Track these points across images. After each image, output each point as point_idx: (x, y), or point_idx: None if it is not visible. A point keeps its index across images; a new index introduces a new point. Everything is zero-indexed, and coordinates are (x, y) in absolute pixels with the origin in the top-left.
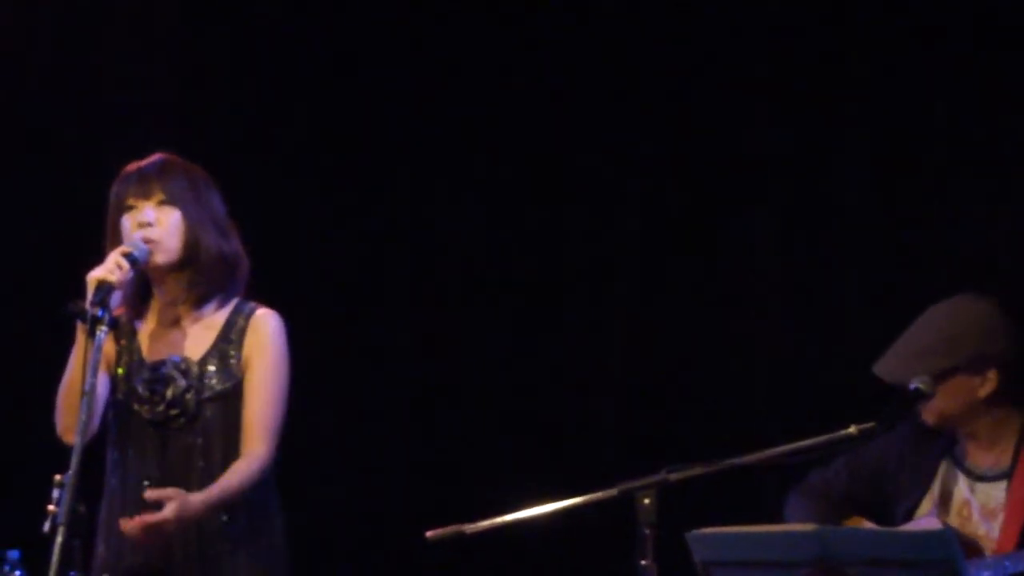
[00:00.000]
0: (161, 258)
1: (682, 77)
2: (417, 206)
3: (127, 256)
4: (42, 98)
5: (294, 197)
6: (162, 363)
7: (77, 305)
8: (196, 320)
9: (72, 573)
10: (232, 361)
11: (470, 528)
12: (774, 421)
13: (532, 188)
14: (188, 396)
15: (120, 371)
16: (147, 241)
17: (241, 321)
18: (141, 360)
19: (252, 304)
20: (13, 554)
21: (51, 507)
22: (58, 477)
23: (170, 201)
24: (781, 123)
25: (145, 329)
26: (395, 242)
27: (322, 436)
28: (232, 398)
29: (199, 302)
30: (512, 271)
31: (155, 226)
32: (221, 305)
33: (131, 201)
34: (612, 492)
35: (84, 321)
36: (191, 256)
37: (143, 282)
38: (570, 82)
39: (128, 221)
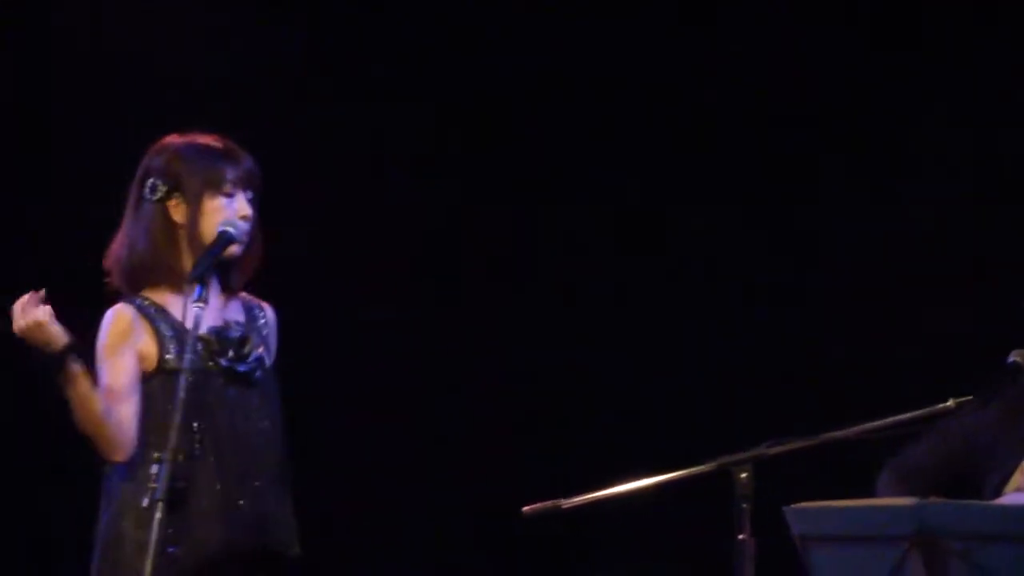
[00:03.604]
0: (235, 251)
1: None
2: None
3: (225, 233)
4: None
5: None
6: (224, 328)
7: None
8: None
9: (171, 548)
10: (264, 338)
11: (567, 503)
12: (870, 394)
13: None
14: (262, 353)
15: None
16: (242, 235)
17: (257, 311)
18: (185, 330)
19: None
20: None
21: (150, 483)
22: (157, 454)
23: (256, 202)
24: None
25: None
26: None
27: (427, 411)
28: (269, 369)
29: (230, 292)
30: (603, 246)
31: (249, 222)
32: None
33: (230, 188)
34: (709, 466)
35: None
36: (248, 255)
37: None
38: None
39: (227, 207)
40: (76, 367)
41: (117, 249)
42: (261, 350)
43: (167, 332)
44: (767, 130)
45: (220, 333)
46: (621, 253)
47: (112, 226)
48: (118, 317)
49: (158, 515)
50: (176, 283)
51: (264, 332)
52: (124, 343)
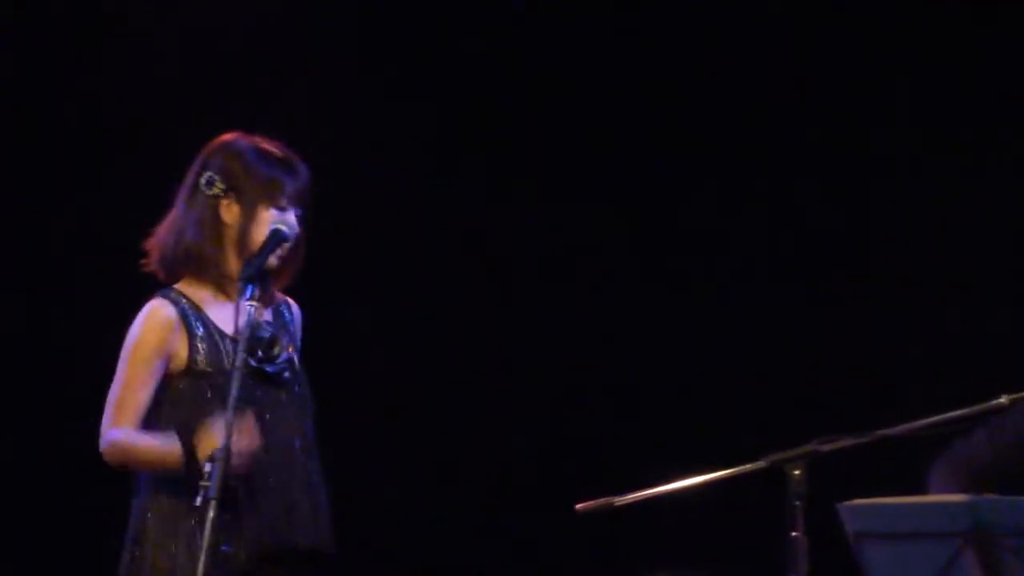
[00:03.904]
0: (275, 261)
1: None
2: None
3: (278, 231)
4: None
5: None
6: (254, 328)
7: (250, 266)
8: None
9: (224, 547)
10: (291, 336)
11: (620, 501)
12: (921, 391)
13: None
14: (292, 353)
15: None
16: (294, 233)
17: (283, 307)
18: (221, 331)
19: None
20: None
21: (203, 482)
22: (209, 452)
23: (302, 220)
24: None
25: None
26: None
27: (480, 409)
28: (299, 368)
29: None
30: (662, 252)
31: (294, 235)
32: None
33: (285, 203)
34: (762, 464)
35: (253, 278)
36: (287, 267)
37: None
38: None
39: (280, 217)
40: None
41: (163, 234)
42: (291, 350)
43: (199, 332)
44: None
45: (252, 333)
46: (672, 248)
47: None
48: (157, 314)
49: (211, 514)
50: (216, 280)
51: (291, 329)
52: (157, 348)
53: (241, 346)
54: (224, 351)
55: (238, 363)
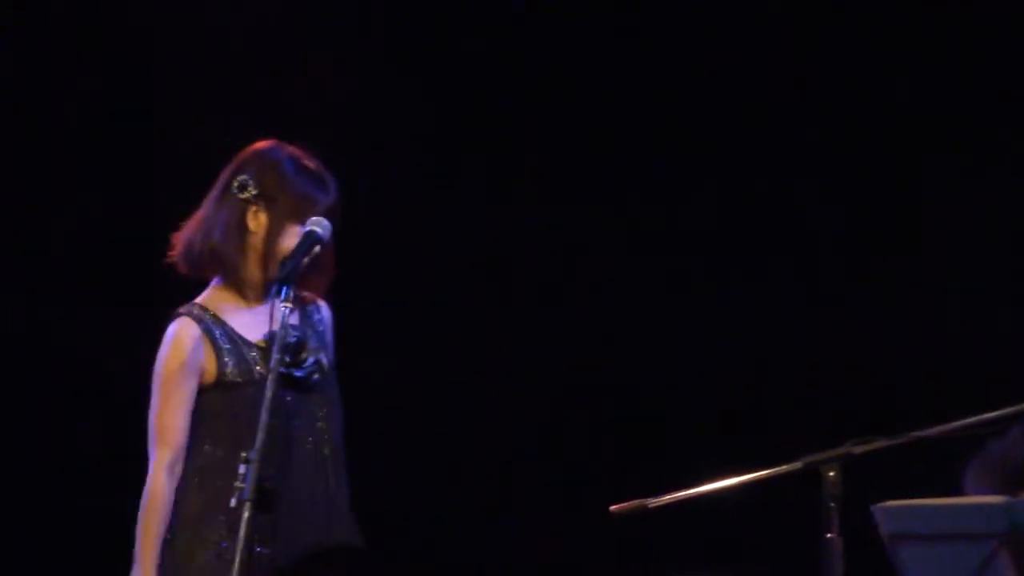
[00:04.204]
0: (305, 261)
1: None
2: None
3: (312, 232)
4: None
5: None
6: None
7: (284, 267)
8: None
9: (259, 548)
10: (320, 337)
11: (654, 502)
12: (957, 392)
13: None
14: (320, 356)
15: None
16: (328, 233)
17: (311, 309)
18: (244, 339)
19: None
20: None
21: (237, 483)
22: (244, 454)
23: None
24: None
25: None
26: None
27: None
28: (327, 370)
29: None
30: (704, 252)
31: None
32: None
33: (316, 216)
34: (797, 465)
35: (287, 280)
36: (315, 268)
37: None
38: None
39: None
40: None
41: (190, 230)
42: (320, 354)
43: (224, 345)
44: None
45: (296, 342)
46: (711, 255)
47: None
48: (181, 335)
49: (246, 515)
50: (235, 285)
51: (320, 329)
52: (186, 369)
53: (276, 347)
54: (251, 360)
55: (272, 364)
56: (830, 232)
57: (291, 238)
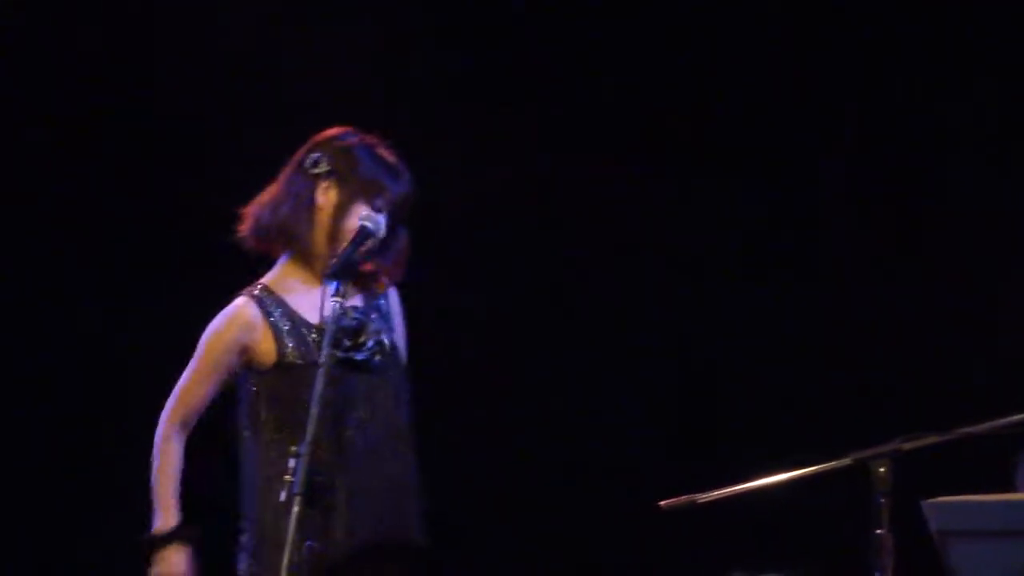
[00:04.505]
0: (361, 255)
1: None
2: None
3: (364, 227)
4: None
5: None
6: (342, 315)
7: (336, 261)
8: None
9: (309, 543)
10: (387, 320)
11: (703, 498)
12: (1007, 388)
13: None
14: (382, 337)
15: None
16: (379, 229)
17: (384, 299)
18: (306, 321)
19: None
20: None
21: (287, 477)
22: (293, 448)
23: (393, 223)
24: None
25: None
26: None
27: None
28: (395, 354)
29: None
30: (757, 248)
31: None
32: None
33: (382, 204)
34: (847, 461)
35: (339, 275)
36: (384, 269)
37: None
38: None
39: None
40: None
41: (259, 204)
42: (382, 335)
43: (284, 326)
44: None
45: (335, 322)
46: (757, 251)
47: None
48: (240, 314)
49: (295, 509)
50: (302, 259)
51: (385, 311)
52: (232, 346)
53: (325, 342)
54: (311, 342)
55: (322, 359)
56: (875, 223)
57: (355, 217)
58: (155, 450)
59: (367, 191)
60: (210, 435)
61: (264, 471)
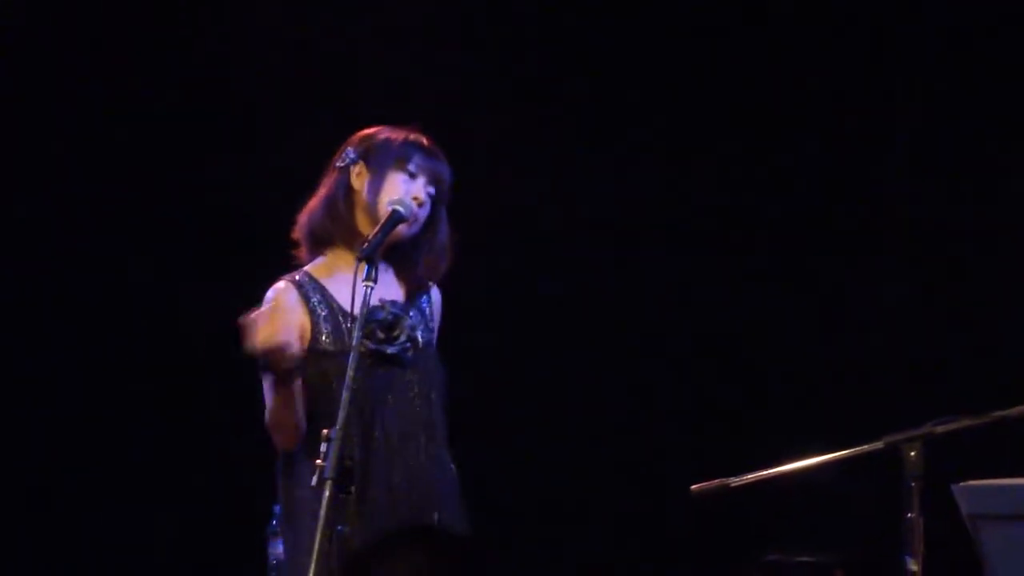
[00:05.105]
0: (404, 231)
1: None
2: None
3: (395, 211)
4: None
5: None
6: (376, 309)
7: (367, 245)
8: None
9: (340, 528)
10: (424, 316)
11: (735, 482)
12: None
13: None
14: (416, 333)
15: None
16: (411, 214)
17: (425, 296)
18: (343, 309)
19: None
20: (277, 508)
21: (319, 461)
22: (325, 431)
23: (438, 197)
24: None
25: (332, 284)
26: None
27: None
28: (427, 351)
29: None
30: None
31: (423, 208)
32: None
33: (414, 169)
34: (878, 445)
35: (370, 258)
36: (419, 245)
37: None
38: None
39: (404, 184)
40: (298, 378)
41: (307, 210)
42: (417, 331)
43: (322, 312)
44: None
45: (370, 315)
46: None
47: None
48: (277, 299)
49: (327, 493)
50: (349, 245)
51: (423, 307)
52: (284, 324)
53: (357, 325)
54: (345, 331)
55: (354, 343)
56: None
57: (391, 187)
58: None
59: (396, 160)
60: (240, 422)
61: (296, 456)
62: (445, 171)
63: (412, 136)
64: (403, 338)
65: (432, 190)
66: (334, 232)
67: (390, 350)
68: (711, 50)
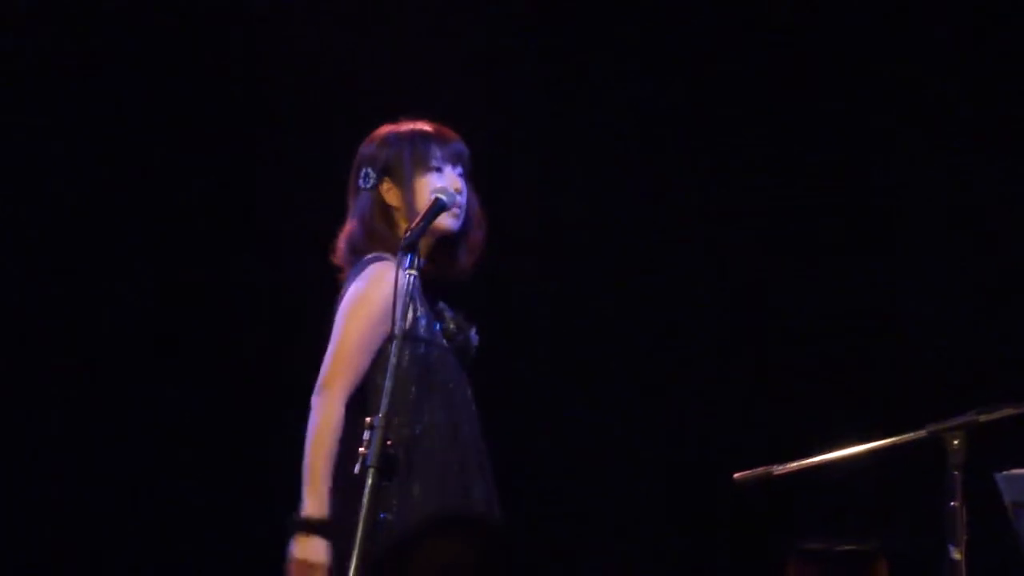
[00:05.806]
0: (448, 223)
1: None
2: None
3: (438, 200)
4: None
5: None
6: (445, 309)
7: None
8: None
9: (383, 515)
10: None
11: (778, 470)
12: None
13: None
14: (471, 335)
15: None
16: (454, 201)
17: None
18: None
19: None
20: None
21: (362, 449)
22: (368, 419)
23: (467, 176)
24: None
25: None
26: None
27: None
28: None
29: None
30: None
31: (462, 195)
32: None
33: (437, 163)
34: (921, 433)
35: (413, 247)
36: (470, 233)
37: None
38: None
39: (437, 181)
40: None
41: (345, 236)
42: (469, 334)
43: (417, 298)
44: None
45: (456, 316)
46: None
47: None
48: (388, 277)
49: (369, 481)
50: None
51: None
52: (387, 311)
53: (399, 313)
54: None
55: (397, 331)
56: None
57: (424, 190)
58: (320, 425)
59: (417, 162)
60: (274, 414)
61: (342, 443)
62: (460, 145)
63: (418, 131)
64: (461, 338)
65: (460, 169)
66: (381, 251)
67: (465, 347)
68: (740, 52)
